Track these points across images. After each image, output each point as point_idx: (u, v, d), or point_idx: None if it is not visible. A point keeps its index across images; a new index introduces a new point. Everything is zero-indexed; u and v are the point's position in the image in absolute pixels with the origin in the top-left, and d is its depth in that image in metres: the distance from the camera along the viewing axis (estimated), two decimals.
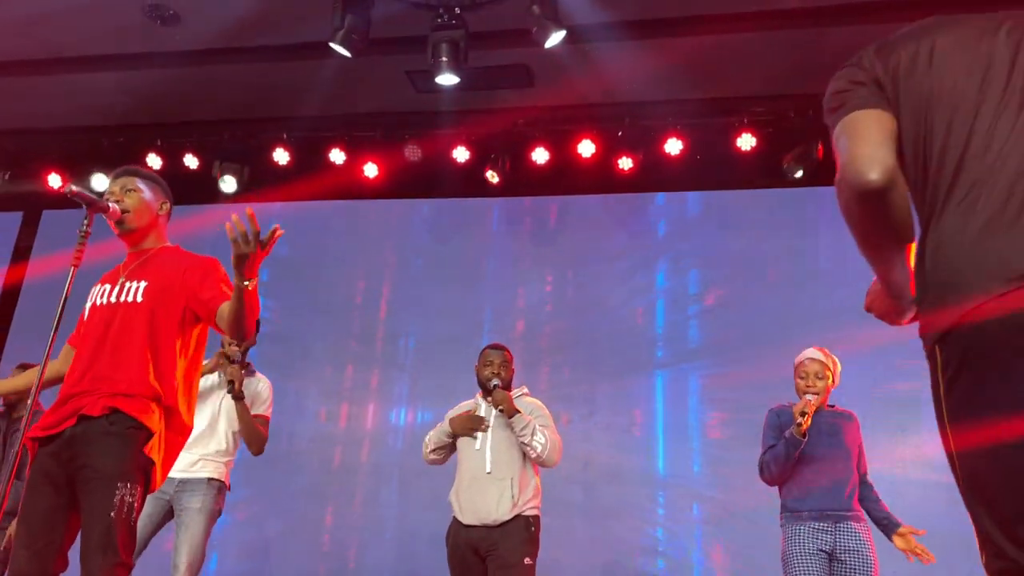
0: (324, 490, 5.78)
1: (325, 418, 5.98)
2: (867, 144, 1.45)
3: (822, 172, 5.63)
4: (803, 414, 3.44)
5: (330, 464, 5.89)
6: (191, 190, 6.31)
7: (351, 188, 6.26)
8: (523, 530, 3.65)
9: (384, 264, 6.37)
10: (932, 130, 1.47)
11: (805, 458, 3.53)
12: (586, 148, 5.91)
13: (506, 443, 3.79)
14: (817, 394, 3.58)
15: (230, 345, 3.89)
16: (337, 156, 6.17)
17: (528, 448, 3.72)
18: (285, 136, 6.22)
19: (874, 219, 1.45)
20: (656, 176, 5.94)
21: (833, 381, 3.67)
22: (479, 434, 3.83)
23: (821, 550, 3.43)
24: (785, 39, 5.29)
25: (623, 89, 5.76)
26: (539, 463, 3.79)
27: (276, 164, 6.22)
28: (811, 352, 3.69)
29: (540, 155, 5.98)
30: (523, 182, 6.08)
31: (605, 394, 5.66)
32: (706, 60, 5.51)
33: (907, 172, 1.49)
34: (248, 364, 4.00)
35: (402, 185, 6.23)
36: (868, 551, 3.40)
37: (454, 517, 3.81)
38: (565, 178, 6.04)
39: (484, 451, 3.78)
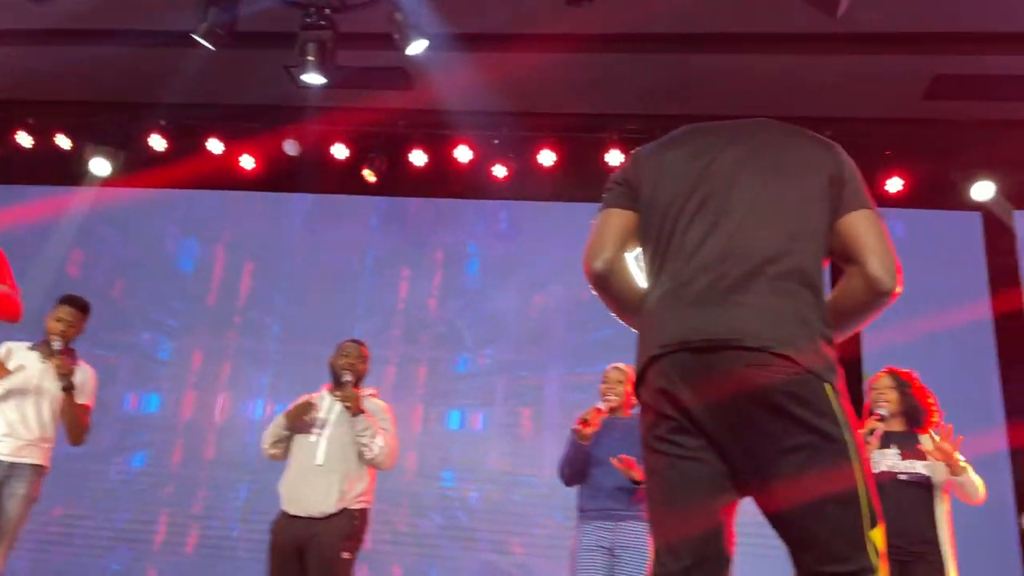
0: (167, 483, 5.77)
1: (194, 409, 5.97)
2: (600, 238, 1.85)
3: None
4: (584, 420, 3.64)
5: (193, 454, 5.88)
6: (62, 171, 6.25)
7: (227, 178, 6.24)
8: (346, 523, 3.71)
9: (257, 256, 6.36)
10: (649, 227, 1.82)
11: (598, 461, 3.70)
12: (463, 154, 6.02)
13: (343, 439, 3.83)
14: (612, 400, 3.79)
15: (53, 336, 3.88)
16: (215, 145, 6.15)
17: (365, 449, 3.77)
18: (163, 122, 6.17)
19: (604, 299, 1.88)
20: (529, 185, 6.08)
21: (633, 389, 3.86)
22: (316, 426, 3.86)
23: (601, 546, 3.63)
24: (652, 61, 5.50)
25: (500, 98, 5.89)
26: (372, 465, 3.84)
27: (152, 150, 6.17)
28: (617, 363, 3.94)
29: (418, 157, 6.07)
30: (400, 183, 6.16)
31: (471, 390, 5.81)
32: (579, 76, 5.70)
33: (645, 253, 1.86)
34: (72, 351, 3.99)
35: (279, 178, 6.24)
36: (645, 549, 3.59)
37: (281, 508, 3.85)
38: (442, 181, 6.15)
39: (319, 442, 3.80)
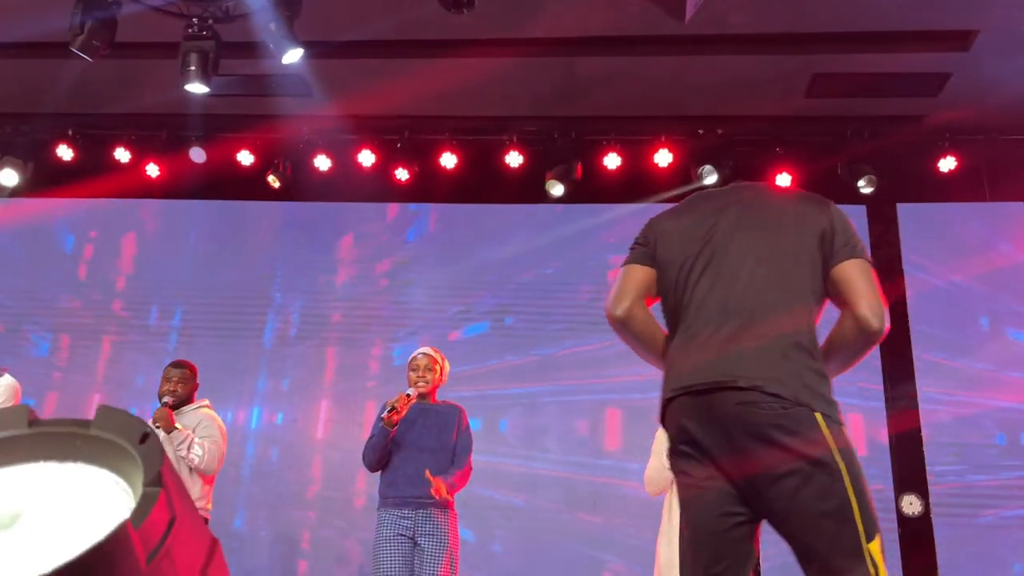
0: None
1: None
2: (620, 289, 2.14)
3: (580, 191, 6.01)
4: (392, 408, 3.72)
5: None
6: None
7: (135, 187, 6.31)
8: None
9: (161, 263, 6.42)
10: (666, 284, 2.12)
11: (400, 447, 3.80)
12: (366, 158, 6.13)
13: (169, 452, 3.99)
14: (421, 387, 3.88)
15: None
16: (122, 155, 6.22)
17: (186, 459, 3.96)
18: (70, 132, 6.24)
19: (626, 340, 2.16)
20: (431, 188, 6.20)
21: (441, 377, 3.98)
22: None
23: (402, 535, 3.71)
24: (541, 65, 5.63)
25: (399, 103, 6.01)
26: (199, 471, 4.01)
27: (60, 160, 6.24)
28: (424, 348, 4.05)
29: (322, 162, 6.17)
30: (304, 188, 6.25)
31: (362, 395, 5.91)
32: (478, 80, 5.82)
33: (664, 307, 2.16)
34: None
35: (185, 186, 6.32)
36: (446, 536, 3.70)
37: None
38: (346, 185, 6.25)
39: None
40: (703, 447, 1.90)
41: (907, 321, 5.58)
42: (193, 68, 4.80)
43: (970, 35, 5.08)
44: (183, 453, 3.96)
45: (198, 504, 3.96)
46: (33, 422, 0.85)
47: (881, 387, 5.48)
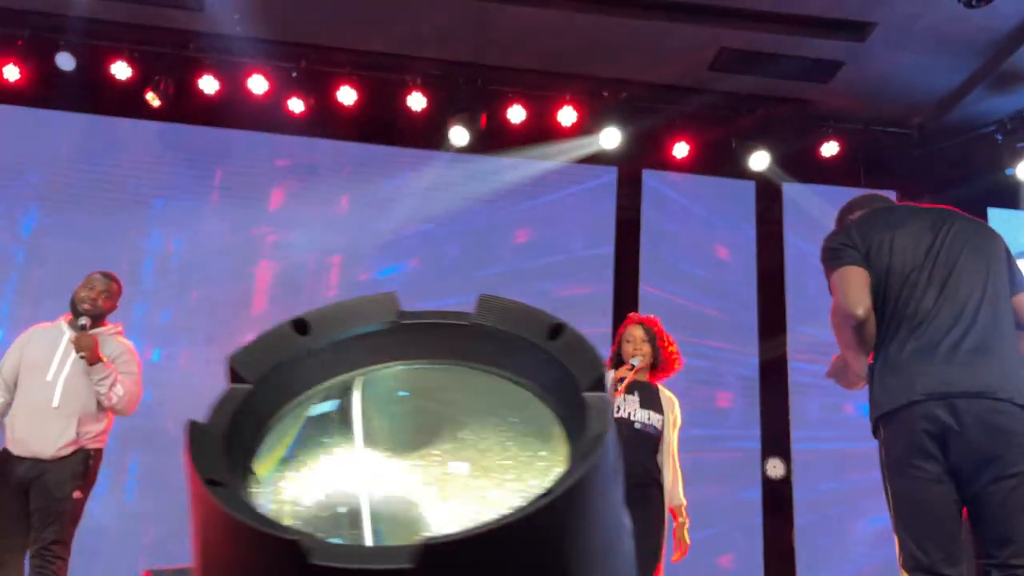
0: None
1: None
2: (857, 290, 2.36)
3: (483, 141, 5.90)
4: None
5: None
6: None
7: None
8: (79, 463, 3.54)
9: (24, 180, 5.83)
10: (888, 291, 2.36)
11: None
12: (257, 84, 5.75)
13: (82, 380, 3.62)
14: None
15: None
16: None
17: (103, 398, 3.60)
18: None
19: (856, 336, 2.38)
20: (327, 123, 5.91)
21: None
22: (53, 364, 3.62)
23: None
24: (453, 6, 5.43)
25: (297, 29, 5.66)
26: (112, 411, 3.68)
27: None
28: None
29: (209, 84, 5.74)
30: (188, 110, 5.81)
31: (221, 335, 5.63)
32: (384, 14, 5.56)
33: (878, 311, 2.39)
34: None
35: (50, 94, 5.72)
36: None
37: (4, 446, 3.60)
38: (233, 111, 5.85)
39: (55, 383, 3.58)
40: (943, 444, 2.20)
41: (783, 295, 5.88)
42: None
43: (868, 27, 5.32)
44: (103, 390, 3.55)
45: (97, 438, 3.63)
46: (401, 314, 0.68)
47: (756, 356, 5.76)
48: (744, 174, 6.02)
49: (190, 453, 0.55)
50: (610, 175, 6.08)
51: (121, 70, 5.67)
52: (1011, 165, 5.64)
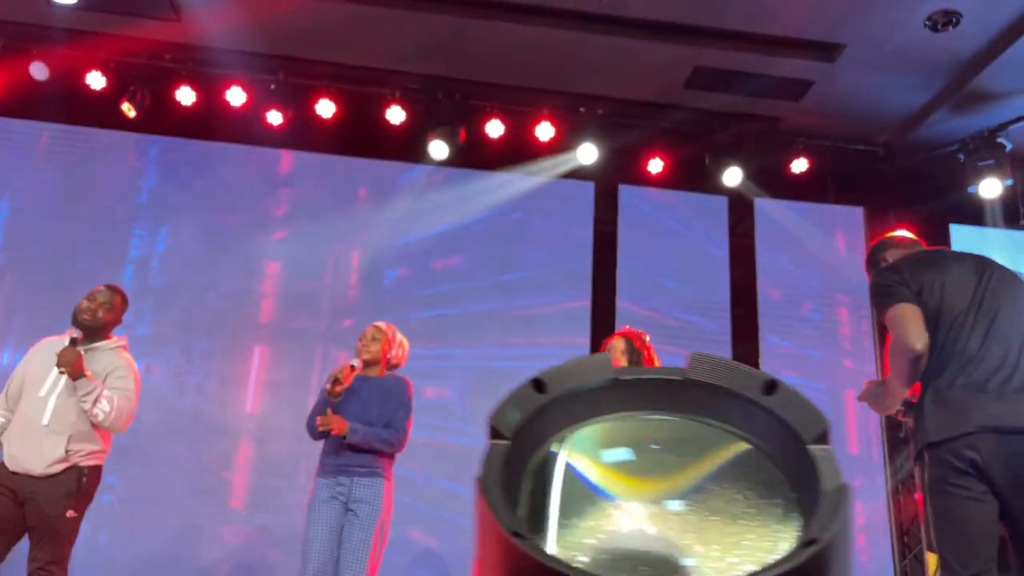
0: None
1: None
2: (916, 327, 2.60)
3: (461, 155, 5.95)
4: (335, 379, 3.67)
5: None
6: None
7: None
8: (71, 481, 3.48)
9: (1, 192, 5.75)
10: (937, 330, 2.60)
11: (344, 416, 3.72)
12: (236, 96, 5.74)
13: (75, 397, 3.55)
14: (366, 355, 3.86)
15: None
16: None
17: (89, 414, 3.52)
18: None
19: (911, 368, 2.61)
20: (306, 135, 5.91)
21: (392, 351, 3.98)
22: (48, 380, 3.55)
23: (335, 498, 3.69)
24: (428, 20, 5.48)
25: (276, 41, 5.67)
26: (101, 427, 3.60)
27: None
28: (378, 322, 4.03)
29: (185, 95, 5.71)
30: (163, 121, 5.77)
31: (219, 347, 5.59)
32: (357, 25, 5.57)
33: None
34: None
35: (24, 104, 5.66)
36: (379, 504, 3.68)
37: (2, 461, 3.55)
38: (211, 123, 5.83)
39: (47, 400, 3.51)
40: (988, 471, 2.43)
41: (756, 306, 6.01)
42: None
43: (838, 48, 5.48)
44: (86, 406, 3.47)
45: (92, 456, 3.56)
46: (619, 371, 0.73)
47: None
48: (717, 189, 6.14)
49: (491, 509, 0.60)
50: (587, 190, 6.16)
51: (96, 80, 5.62)
52: (973, 183, 5.83)
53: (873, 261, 3.00)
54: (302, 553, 3.65)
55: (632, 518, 0.68)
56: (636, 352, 3.87)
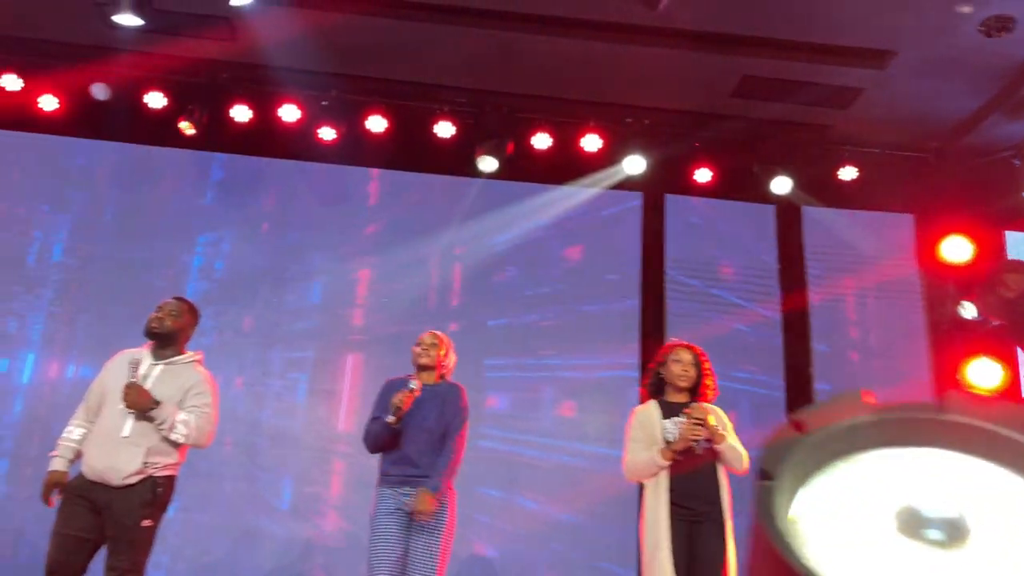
0: None
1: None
2: None
3: (509, 168, 6.01)
4: (397, 408, 3.71)
5: None
6: None
7: (25, 119, 5.76)
8: (147, 491, 3.56)
9: (65, 208, 5.92)
10: None
11: (404, 429, 3.79)
12: (289, 113, 5.86)
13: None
14: (426, 361, 3.91)
15: None
16: (11, 82, 5.64)
17: (168, 438, 3.59)
18: None
19: None
20: (357, 150, 6.02)
21: (446, 355, 3.99)
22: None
23: (400, 509, 3.72)
24: (477, 35, 5.55)
25: (328, 59, 5.77)
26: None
27: None
28: (433, 331, 4.08)
29: (240, 112, 5.85)
30: (220, 138, 5.91)
31: (280, 358, 5.70)
32: (407, 42, 5.67)
33: None
34: None
35: (86, 123, 5.83)
36: (442, 513, 3.71)
37: (81, 471, 3.65)
38: (265, 139, 5.96)
39: (127, 412, 3.57)
40: None
41: (807, 315, 5.98)
42: None
43: (888, 55, 5.45)
44: (164, 433, 3.56)
45: (167, 467, 3.63)
46: (875, 408, 0.75)
47: (782, 377, 5.84)
48: (765, 198, 6.13)
49: (791, 557, 0.62)
50: (635, 200, 6.19)
51: (155, 99, 5.78)
52: None
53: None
54: (368, 567, 3.66)
55: (928, 562, 0.65)
56: (699, 364, 3.87)
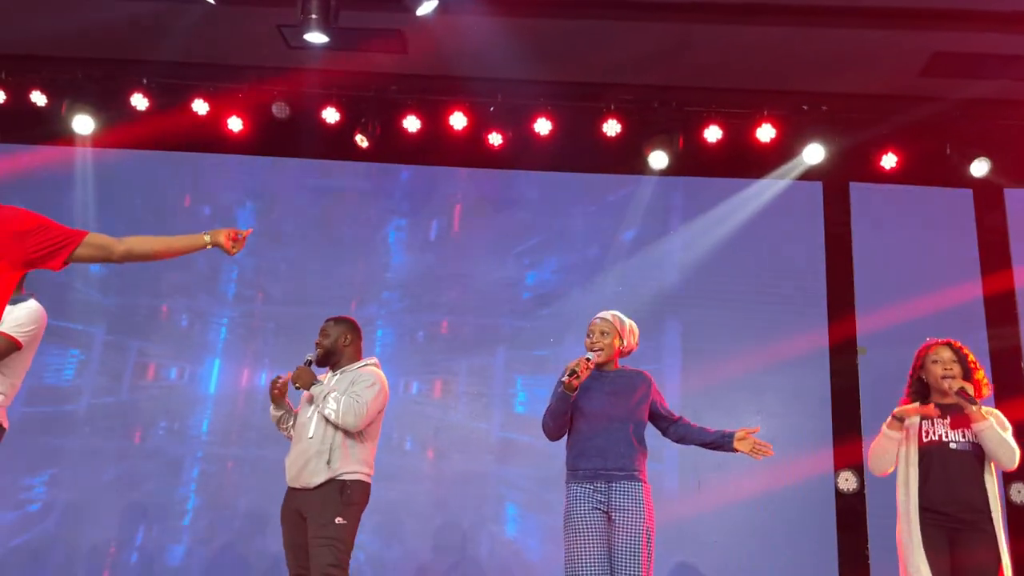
0: None
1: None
2: None
3: (681, 163, 5.86)
4: (572, 372, 3.45)
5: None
6: (36, 128, 6.00)
7: (213, 140, 6.07)
8: (335, 492, 3.68)
9: (248, 223, 6.20)
10: None
11: (585, 417, 3.59)
12: (458, 120, 5.92)
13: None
14: (600, 351, 3.63)
15: None
16: (200, 106, 5.95)
17: (323, 415, 3.76)
18: (145, 80, 5.94)
19: None
20: (525, 154, 6.01)
21: (623, 342, 3.71)
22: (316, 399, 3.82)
23: (597, 508, 3.50)
24: (647, 29, 5.44)
25: (496, 65, 5.79)
26: (339, 427, 3.75)
27: (133, 108, 5.94)
28: (602, 313, 3.76)
29: (411, 123, 5.94)
30: (393, 149, 6.04)
31: (463, 365, 5.78)
32: (575, 43, 5.63)
33: None
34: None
35: (268, 142, 6.08)
36: (641, 510, 3.48)
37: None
38: (436, 148, 6.04)
39: (312, 416, 3.81)
40: None
41: (1014, 306, 5.53)
42: (314, 16, 4.56)
43: None
44: (320, 409, 3.76)
45: (352, 468, 3.75)
46: None
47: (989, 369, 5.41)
48: (959, 182, 5.72)
49: None
50: (815, 190, 5.91)
51: (331, 114, 5.96)
52: None
53: None
54: (566, 568, 3.50)
55: None
56: (963, 360, 3.59)
